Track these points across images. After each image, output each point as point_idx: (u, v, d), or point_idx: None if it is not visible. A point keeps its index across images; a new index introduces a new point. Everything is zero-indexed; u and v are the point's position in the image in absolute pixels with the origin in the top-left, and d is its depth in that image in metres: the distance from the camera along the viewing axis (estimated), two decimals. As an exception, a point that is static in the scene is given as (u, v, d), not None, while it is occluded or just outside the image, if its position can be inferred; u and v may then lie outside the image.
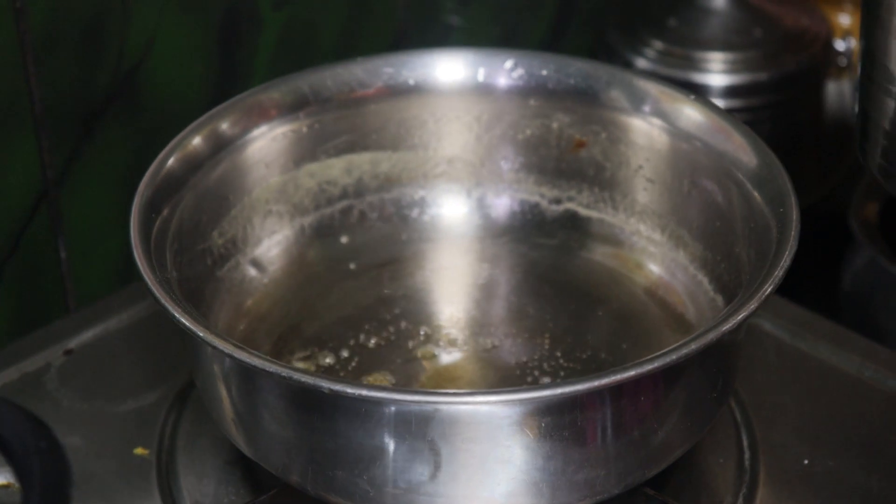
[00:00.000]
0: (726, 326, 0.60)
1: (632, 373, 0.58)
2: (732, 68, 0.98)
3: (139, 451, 0.72)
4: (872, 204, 0.94)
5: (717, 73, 0.98)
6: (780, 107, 1.00)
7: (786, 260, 0.62)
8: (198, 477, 0.70)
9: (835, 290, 0.98)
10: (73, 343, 0.78)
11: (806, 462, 0.71)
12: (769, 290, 0.61)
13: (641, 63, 0.98)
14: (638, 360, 0.59)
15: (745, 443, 0.72)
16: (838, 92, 1.03)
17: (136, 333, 0.79)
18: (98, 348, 0.78)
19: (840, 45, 1.01)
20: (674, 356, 0.58)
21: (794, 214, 0.65)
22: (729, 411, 0.74)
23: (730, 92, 0.98)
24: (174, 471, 0.71)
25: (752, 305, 0.61)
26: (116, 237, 0.86)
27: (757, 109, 0.99)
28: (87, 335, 0.79)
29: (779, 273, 0.62)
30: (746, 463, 0.71)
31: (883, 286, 0.90)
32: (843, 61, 1.02)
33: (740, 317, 0.60)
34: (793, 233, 0.64)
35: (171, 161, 0.69)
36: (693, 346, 0.59)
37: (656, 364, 0.58)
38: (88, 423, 0.73)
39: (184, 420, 0.74)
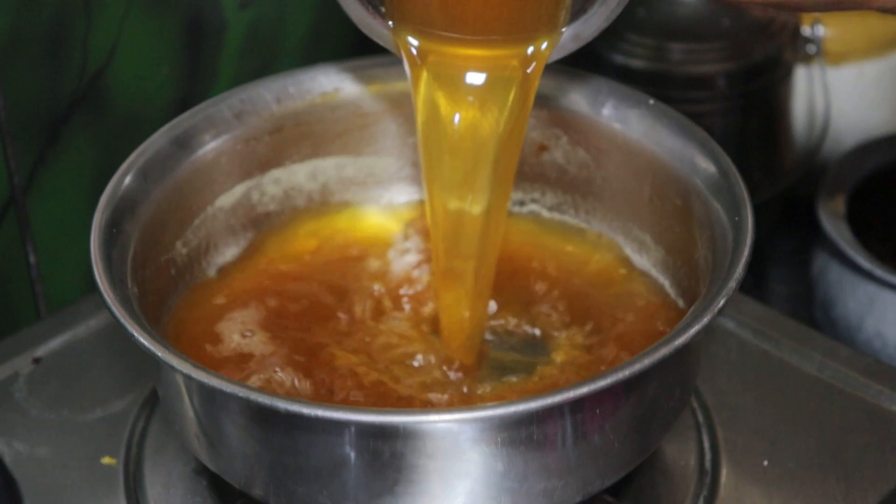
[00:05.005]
0: (679, 340, 0.60)
1: (584, 389, 0.58)
2: (702, 58, 0.98)
3: (106, 460, 0.73)
4: (840, 195, 0.95)
5: (686, 64, 0.98)
6: (749, 96, 1.00)
7: (740, 271, 0.63)
8: (165, 487, 0.71)
9: (805, 279, 0.99)
10: (41, 351, 0.79)
11: (766, 463, 0.71)
12: (722, 302, 0.62)
13: (612, 55, 0.98)
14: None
15: (707, 444, 0.73)
16: (808, 79, 1.03)
17: (105, 340, 0.80)
18: (66, 356, 0.79)
19: (808, 32, 1.01)
20: (626, 371, 0.59)
21: (749, 224, 0.65)
22: (691, 412, 0.74)
23: (699, 81, 0.98)
24: (141, 480, 0.71)
25: (706, 318, 0.61)
26: (85, 241, 0.85)
27: (727, 99, 0.99)
28: (55, 343, 0.79)
29: (732, 284, 0.62)
30: (707, 465, 0.72)
31: (849, 278, 0.91)
32: (812, 49, 1.02)
33: (693, 331, 0.60)
34: (748, 242, 0.64)
35: (129, 176, 0.69)
36: (646, 361, 0.59)
37: (608, 380, 0.58)
38: (56, 432, 0.74)
39: (151, 428, 0.74)
